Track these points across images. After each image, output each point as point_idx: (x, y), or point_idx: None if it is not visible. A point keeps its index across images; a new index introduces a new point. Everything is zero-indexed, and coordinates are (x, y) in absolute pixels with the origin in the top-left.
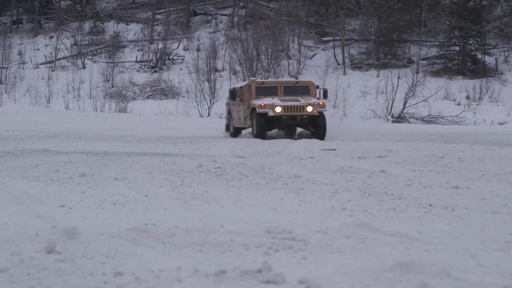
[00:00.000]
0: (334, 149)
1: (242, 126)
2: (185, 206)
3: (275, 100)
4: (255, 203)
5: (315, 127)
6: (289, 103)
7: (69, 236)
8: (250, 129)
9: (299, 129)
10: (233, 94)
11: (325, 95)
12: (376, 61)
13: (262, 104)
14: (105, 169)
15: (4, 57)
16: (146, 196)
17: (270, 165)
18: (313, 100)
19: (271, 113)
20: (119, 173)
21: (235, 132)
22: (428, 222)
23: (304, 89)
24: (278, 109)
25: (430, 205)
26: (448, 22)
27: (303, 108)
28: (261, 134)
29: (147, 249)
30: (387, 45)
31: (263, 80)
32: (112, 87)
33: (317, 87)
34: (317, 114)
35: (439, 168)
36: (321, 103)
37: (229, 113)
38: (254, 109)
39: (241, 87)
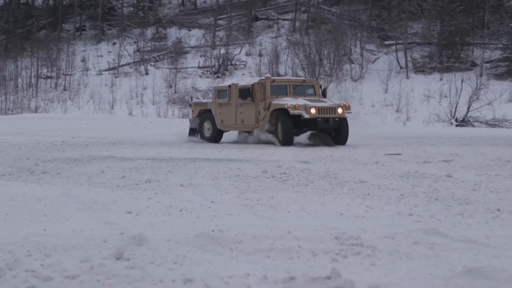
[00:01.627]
0: (399, 154)
1: (247, 129)
2: (251, 212)
3: (303, 100)
4: (321, 209)
5: (338, 131)
6: (320, 104)
7: (137, 243)
8: (234, 133)
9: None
10: (244, 92)
11: (324, 95)
12: (439, 64)
13: (297, 105)
14: (170, 175)
15: (68, 64)
16: (212, 202)
17: (335, 170)
18: (338, 101)
19: (305, 115)
20: (184, 179)
21: (217, 136)
22: (496, 227)
23: (310, 88)
24: (313, 111)
25: (498, 210)
26: (511, 25)
27: (334, 110)
28: (289, 139)
29: (215, 255)
30: (450, 48)
31: (273, 78)
32: (175, 93)
33: (320, 86)
34: (345, 116)
35: (505, 172)
36: (347, 105)
37: (200, 114)
38: (279, 110)
39: (253, 84)
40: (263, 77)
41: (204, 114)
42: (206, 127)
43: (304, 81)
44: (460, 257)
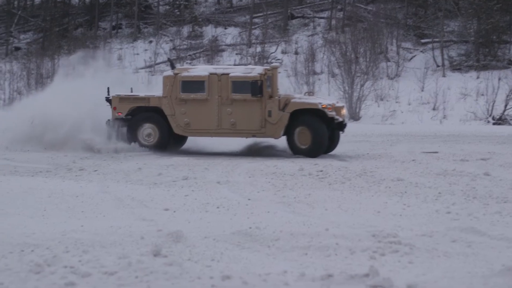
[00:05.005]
0: (436, 152)
1: (240, 136)
2: (288, 209)
3: (327, 99)
4: (358, 207)
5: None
6: (340, 104)
7: (174, 240)
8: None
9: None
10: (255, 86)
11: None
12: (476, 62)
13: (334, 105)
14: (207, 172)
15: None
16: (249, 199)
17: (372, 168)
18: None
19: (338, 118)
20: (221, 177)
21: (167, 142)
22: None
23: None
24: (343, 112)
25: None
26: None
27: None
28: (323, 149)
29: (252, 252)
30: (487, 46)
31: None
32: None
33: None
34: None
35: None
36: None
37: (133, 113)
38: (303, 111)
39: (261, 74)
40: (267, 66)
41: (142, 114)
42: (144, 132)
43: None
44: (499, 255)
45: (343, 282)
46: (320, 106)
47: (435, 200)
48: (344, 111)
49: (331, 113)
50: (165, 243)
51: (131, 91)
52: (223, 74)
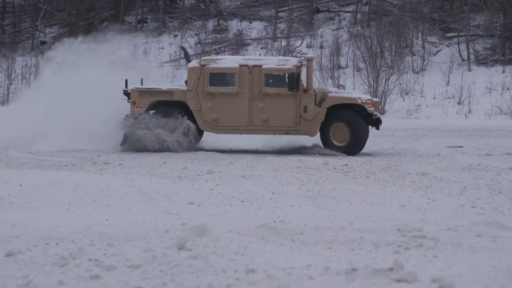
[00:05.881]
0: (461, 146)
1: (272, 133)
2: (313, 203)
3: (363, 94)
4: (383, 201)
5: None
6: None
7: (199, 233)
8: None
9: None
10: (292, 79)
11: None
12: (501, 56)
13: (373, 99)
14: (231, 166)
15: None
16: (273, 193)
17: (397, 163)
18: None
19: (377, 114)
20: (245, 171)
21: (196, 140)
22: None
23: None
24: (379, 108)
25: None
26: None
27: None
28: (362, 146)
29: (277, 246)
30: None
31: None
32: None
33: None
34: None
35: None
36: None
37: (153, 108)
38: (340, 106)
39: (296, 66)
40: (301, 58)
41: (163, 109)
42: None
43: None
44: None
45: (367, 276)
46: (359, 101)
47: (460, 195)
48: (380, 107)
49: (371, 109)
50: (189, 236)
51: (141, 83)
52: (255, 66)
